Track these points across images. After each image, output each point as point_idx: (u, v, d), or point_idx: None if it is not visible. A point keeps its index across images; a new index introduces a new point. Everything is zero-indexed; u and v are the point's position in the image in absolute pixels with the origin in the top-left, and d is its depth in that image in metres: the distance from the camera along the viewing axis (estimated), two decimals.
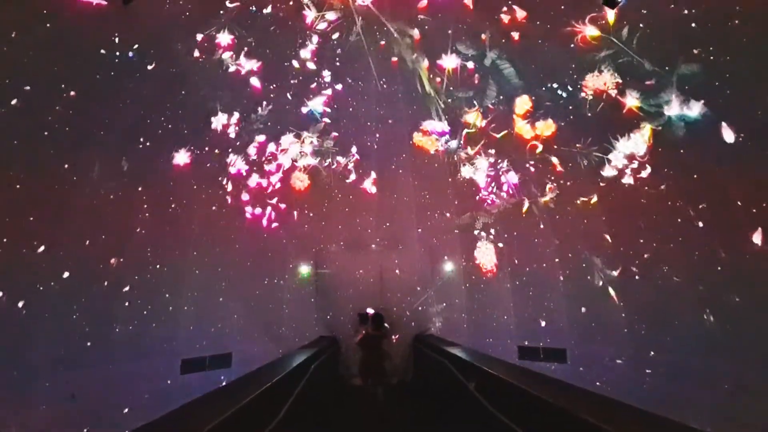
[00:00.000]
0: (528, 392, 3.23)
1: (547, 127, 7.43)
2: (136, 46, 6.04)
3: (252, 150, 7.91)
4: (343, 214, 8.68)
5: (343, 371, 7.88)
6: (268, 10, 6.90)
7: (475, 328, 8.24)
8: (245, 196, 7.99)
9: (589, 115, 6.55)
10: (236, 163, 7.75)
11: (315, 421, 5.28)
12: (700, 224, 5.83)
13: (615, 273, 7.06)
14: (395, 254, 8.74)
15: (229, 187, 7.75)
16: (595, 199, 7.21)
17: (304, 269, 8.61)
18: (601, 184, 6.93)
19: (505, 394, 3.63)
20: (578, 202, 7.36)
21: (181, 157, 7.06)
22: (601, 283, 7.19)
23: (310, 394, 4.95)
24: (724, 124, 5.21)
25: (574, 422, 2.57)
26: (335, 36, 7.41)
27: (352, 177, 8.52)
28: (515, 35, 6.92)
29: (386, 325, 7.29)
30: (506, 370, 4.20)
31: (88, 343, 5.98)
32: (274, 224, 8.29)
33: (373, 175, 8.59)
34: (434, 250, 8.71)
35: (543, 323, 7.72)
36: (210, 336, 7.41)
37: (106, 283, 6.30)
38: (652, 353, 6.49)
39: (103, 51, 5.80)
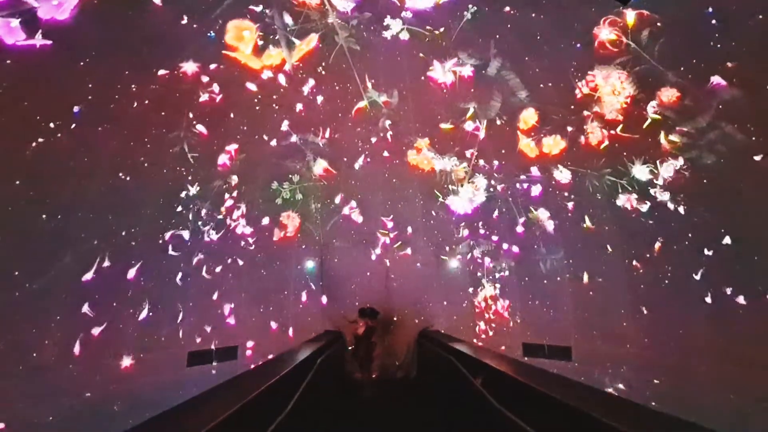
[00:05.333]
0: (535, 389, 3.22)
1: (555, 145, 6.82)
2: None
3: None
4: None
5: (349, 366, 7.89)
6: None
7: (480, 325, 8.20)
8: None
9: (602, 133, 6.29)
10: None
11: (321, 415, 5.30)
12: None
13: None
14: (401, 253, 8.67)
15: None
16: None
17: (310, 264, 8.61)
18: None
19: (513, 391, 3.62)
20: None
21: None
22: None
23: (316, 389, 4.96)
24: None
25: (583, 420, 2.56)
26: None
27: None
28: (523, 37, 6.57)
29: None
30: (513, 367, 4.19)
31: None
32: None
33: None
34: (439, 250, 8.64)
35: (548, 322, 7.66)
36: (216, 329, 7.43)
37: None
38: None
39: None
